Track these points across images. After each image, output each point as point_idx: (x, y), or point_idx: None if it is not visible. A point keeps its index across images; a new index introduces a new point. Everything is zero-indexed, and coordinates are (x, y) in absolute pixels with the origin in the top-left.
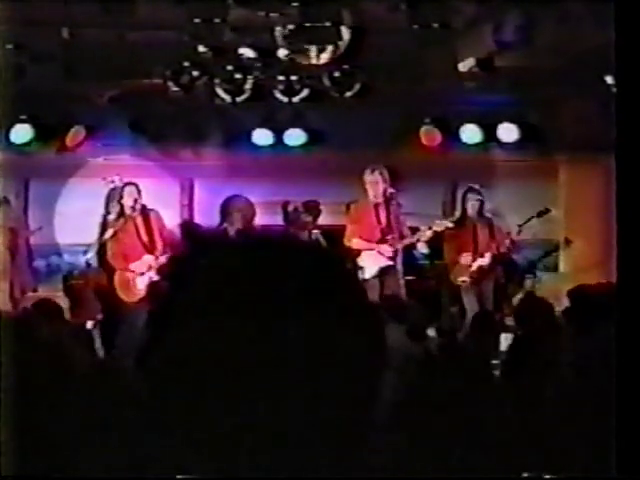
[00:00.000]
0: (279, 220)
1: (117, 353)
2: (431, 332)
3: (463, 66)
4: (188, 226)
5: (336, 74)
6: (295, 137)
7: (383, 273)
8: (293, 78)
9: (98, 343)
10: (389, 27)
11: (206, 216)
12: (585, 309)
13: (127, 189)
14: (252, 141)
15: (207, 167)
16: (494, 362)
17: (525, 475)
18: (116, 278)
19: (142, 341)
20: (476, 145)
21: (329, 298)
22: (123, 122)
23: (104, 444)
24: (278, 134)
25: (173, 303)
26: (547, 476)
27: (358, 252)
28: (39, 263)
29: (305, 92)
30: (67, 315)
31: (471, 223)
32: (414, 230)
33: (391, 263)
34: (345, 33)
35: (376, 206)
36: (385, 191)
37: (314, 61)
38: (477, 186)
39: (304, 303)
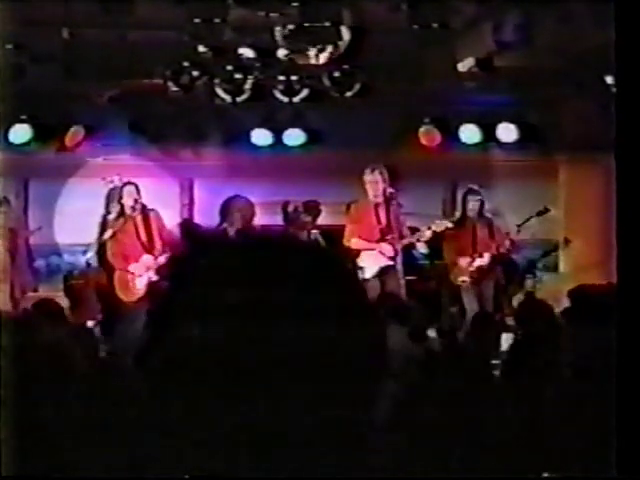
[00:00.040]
0: (279, 220)
1: (116, 353)
2: (431, 332)
3: (463, 66)
4: (188, 226)
5: (336, 74)
6: (295, 137)
7: (383, 273)
8: (293, 78)
9: (98, 343)
10: (389, 27)
11: (206, 216)
12: (585, 309)
13: (126, 189)
14: (252, 141)
15: (207, 167)
16: (494, 362)
17: (525, 475)
18: (115, 278)
19: (141, 340)
20: (475, 145)
21: (329, 298)
22: (123, 122)
23: (104, 444)
24: (278, 134)
25: (173, 303)
26: (547, 476)
27: (358, 252)
28: (39, 263)
29: (305, 92)
30: (68, 315)
31: (471, 223)
32: (414, 230)
33: (391, 263)
34: (345, 33)
35: (376, 206)
36: (385, 191)
37: (314, 61)
38: (477, 187)
39: (304, 303)
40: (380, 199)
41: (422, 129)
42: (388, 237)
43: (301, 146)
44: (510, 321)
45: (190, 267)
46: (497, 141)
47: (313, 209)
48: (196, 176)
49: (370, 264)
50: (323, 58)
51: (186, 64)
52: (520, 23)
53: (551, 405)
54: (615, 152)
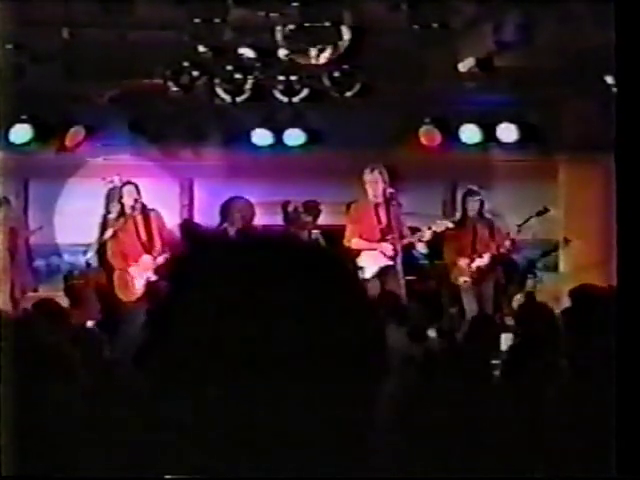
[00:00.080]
0: (279, 220)
1: (116, 352)
2: (431, 333)
3: (463, 66)
4: (188, 226)
5: (336, 74)
6: (295, 137)
7: (383, 273)
8: (293, 78)
9: (98, 343)
10: (389, 27)
11: (206, 216)
12: (586, 309)
13: (126, 188)
14: (252, 141)
15: (207, 167)
16: (494, 362)
17: (525, 475)
18: (115, 277)
19: (140, 341)
20: (476, 145)
21: (329, 298)
22: (123, 122)
23: (104, 444)
24: (278, 134)
25: (172, 303)
26: (547, 476)
27: (358, 252)
28: (39, 263)
29: (305, 92)
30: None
31: (471, 224)
32: (414, 230)
33: (391, 263)
34: (345, 33)
35: (376, 206)
36: (385, 191)
37: (314, 61)
38: (476, 187)
39: (304, 303)
40: (380, 199)
41: (422, 129)
42: (388, 237)
43: (301, 146)
44: (510, 321)
45: (190, 267)
46: (497, 141)
47: (313, 209)
48: (196, 176)
49: (370, 264)
50: (323, 58)
51: (186, 64)
52: (520, 23)
53: (551, 405)
54: (615, 152)
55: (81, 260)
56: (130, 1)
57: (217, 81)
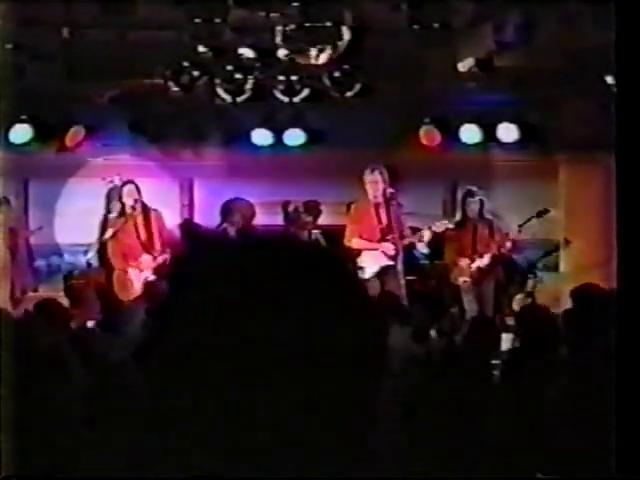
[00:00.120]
0: (279, 220)
1: (116, 352)
2: (432, 333)
3: (463, 66)
4: (188, 226)
5: (336, 74)
6: (295, 137)
7: (383, 273)
8: (293, 78)
9: (98, 342)
10: (389, 27)
11: (206, 216)
12: (588, 309)
13: (126, 188)
14: (252, 141)
15: (207, 167)
16: (494, 362)
17: (525, 475)
18: (114, 277)
19: (139, 341)
20: (476, 145)
21: (329, 298)
22: (123, 122)
23: (104, 444)
24: (278, 134)
25: (172, 303)
26: (547, 476)
27: (358, 252)
28: (39, 263)
29: (305, 92)
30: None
31: (472, 224)
32: (415, 230)
33: (391, 263)
34: (345, 33)
35: (376, 206)
36: (385, 191)
37: (314, 61)
38: (475, 188)
39: (304, 303)
40: (380, 199)
41: (422, 129)
42: (389, 237)
43: (301, 146)
44: (510, 321)
45: (189, 267)
46: (497, 141)
47: (313, 209)
48: (196, 176)
49: (370, 264)
50: (323, 58)
51: (186, 64)
52: (520, 23)
53: (551, 405)
54: (615, 152)
55: (81, 260)
56: (130, 1)
57: (217, 81)
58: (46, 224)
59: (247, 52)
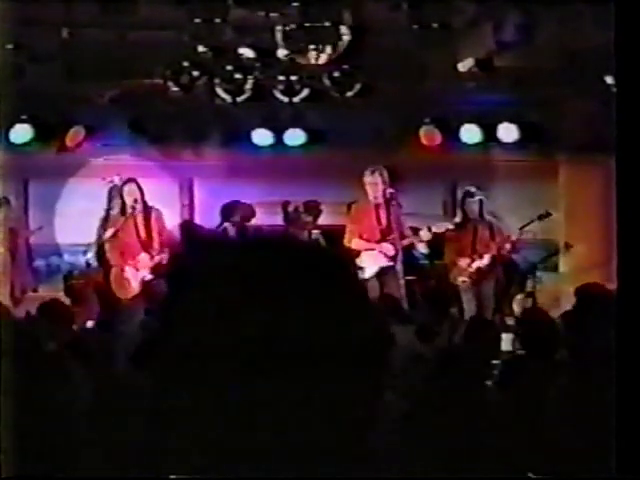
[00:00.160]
0: (279, 220)
1: (115, 352)
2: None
3: (463, 66)
4: (188, 226)
5: (336, 74)
6: (295, 137)
7: (383, 273)
8: (293, 78)
9: (98, 342)
10: (389, 27)
11: (206, 216)
12: (592, 307)
13: (127, 186)
14: (252, 141)
15: (207, 167)
16: (493, 362)
17: (525, 475)
18: (112, 275)
19: (139, 340)
20: (476, 145)
21: (329, 298)
22: (123, 122)
23: (104, 444)
24: (278, 134)
25: (172, 303)
26: (547, 476)
27: (358, 252)
28: (39, 263)
29: (305, 92)
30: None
31: (472, 225)
32: (415, 230)
33: (391, 263)
34: (345, 33)
35: (376, 207)
36: (385, 192)
37: (314, 61)
38: (474, 188)
39: (304, 303)
40: (380, 200)
41: (422, 129)
42: (388, 238)
43: (301, 146)
44: (510, 321)
45: (189, 267)
46: (497, 141)
47: (313, 209)
48: (196, 176)
49: (370, 264)
50: (323, 58)
51: (186, 64)
52: (520, 23)
53: (551, 405)
54: (615, 152)
55: (81, 260)
56: (130, 1)
57: (217, 81)
58: (46, 224)
59: (247, 52)
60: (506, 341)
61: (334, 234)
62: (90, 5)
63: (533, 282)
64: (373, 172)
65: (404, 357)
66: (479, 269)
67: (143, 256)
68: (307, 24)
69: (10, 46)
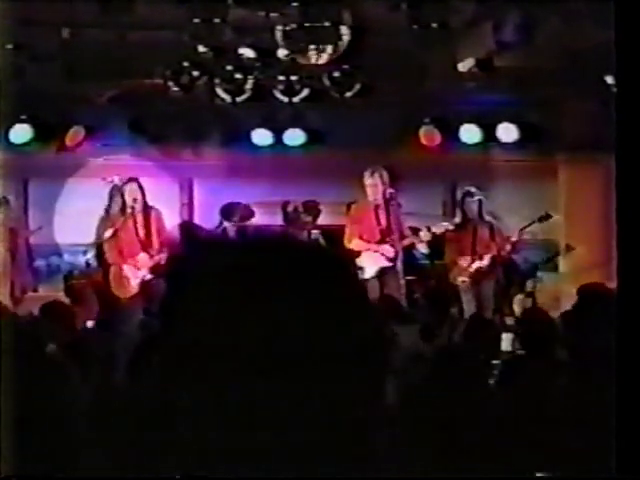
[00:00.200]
0: (279, 220)
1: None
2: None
3: (463, 66)
4: (187, 226)
5: (336, 74)
6: (295, 137)
7: (383, 273)
8: (293, 78)
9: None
10: (389, 27)
11: (206, 216)
12: (594, 307)
13: (128, 186)
14: (252, 141)
15: (207, 167)
16: (493, 362)
17: (525, 475)
18: (111, 274)
19: (138, 340)
20: (476, 145)
21: (329, 298)
22: (123, 122)
23: (104, 444)
24: (278, 134)
25: (171, 303)
26: (547, 475)
27: (358, 252)
28: (39, 263)
29: (305, 92)
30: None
31: (472, 225)
32: (414, 230)
33: (391, 264)
34: (345, 33)
35: (376, 207)
36: (384, 193)
37: (314, 61)
38: (474, 189)
39: (303, 303)
40: (380, 201)
41: (422, 129)
42: (388, 238)
43: (301, 146)
44: (510, 321)
45: (189, 267)
46: (497, 141)
47: (313, 209)
48: (196, 176)
49: (370, 264)
50: (323, 58)
51: (186, 64)
52: (520, 23)
53: (551, 405)
54: (615, 152)
55: (81, 260)
56: (130, 1)
57: (217, 81)
58: (46, 224)
59: (247, 52)
60: (506, 341)
61: (334, 234)
62: (90, 5)
63: (533, 282)
64: (373, 173)
65: (404, 357)
66: (479, 269)
67: (142, 256)
68: (307, 24)
69: (10, 46)
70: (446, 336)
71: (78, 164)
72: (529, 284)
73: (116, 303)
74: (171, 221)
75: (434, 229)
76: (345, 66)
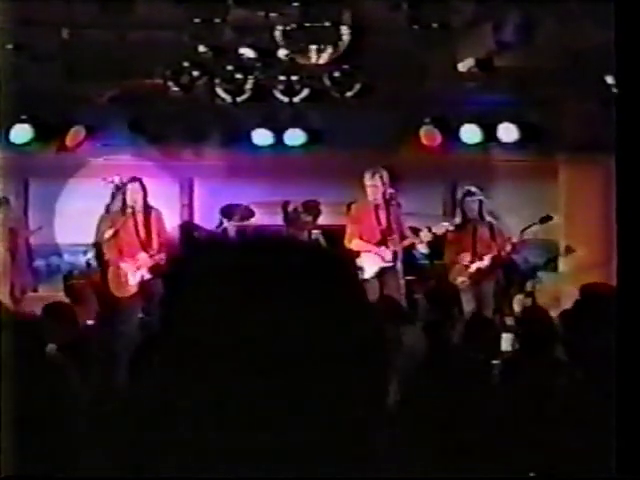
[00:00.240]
0: (279, 220)
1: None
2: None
3: (463, 66)
4: (187, 226)
5: (336, 74)
6: (295, 137)
7: (383, 273)
8: (293, 78)
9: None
10: (389, 27)
11: (206, 216)
12: (596, 306)
13: (130, 185)
14: (252, 141)
15: (207, 167)
16: (492, 362)
17: (525, 475)
18: (109, 273)
19: (138, 340)
20: (476, 145)
21: (329, 298)
22: (123, 122)
23: (104, 444)
24: (278, 134)
25: (171, 303)
26: (547, 476)
27: (358, 253)
28: (39, 263)
29: (305, 92)
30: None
31: (472, 226)
32: (415, 230)
33: (391, 264)
34: (345, 33)
35: (376, 207)
36: (385, 193)
37: (314, 61)
38: (474, 189)
39: (303, 303)
40: (380, 201)
41: (422, 129)
42: (388, 238)
43: (301, 146)
44: (510, 321)
45: (188, 267)
46: (497, 141)
47: (313, 209)
48: (196, 176)
49: (370, 264)
50: (323, 58)
51: (186, 64)
52: (520, 23)
53: (550, 405)
54: (615, 152)
55: (81, 260)
56: (130, 1)
57: (217, 81)
58: (46, 224)
59: (247, 52)
60: (506, 341)
61: (334, 234)
62: (90, 5)
63: (533, 282)
64: (373, 174)
65: (404, 357)
66: (479, 269)
67: (142, 255)
68: (307, 24)
69: (10, 46)
70: (446, 336)
71: (78, 164)
72: (529, 284)
73: (116, 303)
74: (171, 221)
75: (434, 229)
76: (345, 66)
